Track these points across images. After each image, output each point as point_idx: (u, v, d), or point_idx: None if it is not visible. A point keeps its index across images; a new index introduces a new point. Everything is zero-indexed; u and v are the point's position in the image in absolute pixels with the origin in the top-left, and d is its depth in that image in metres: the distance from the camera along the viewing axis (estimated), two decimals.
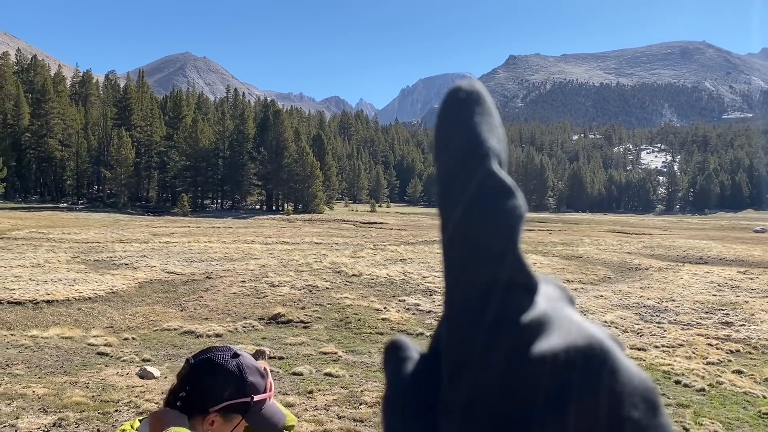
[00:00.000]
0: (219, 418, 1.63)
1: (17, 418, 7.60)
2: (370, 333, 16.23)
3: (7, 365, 10.99)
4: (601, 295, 21.90)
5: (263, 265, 26.16)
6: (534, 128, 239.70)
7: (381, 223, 60.97)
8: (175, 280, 22.62)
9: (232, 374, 1.66)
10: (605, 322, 17.55)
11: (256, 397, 1.68)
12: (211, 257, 28.35)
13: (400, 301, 19.93)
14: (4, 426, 7.29)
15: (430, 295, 20.90)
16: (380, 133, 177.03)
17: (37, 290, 19.74)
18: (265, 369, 1.77)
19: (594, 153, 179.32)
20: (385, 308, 18.83)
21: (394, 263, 27.96)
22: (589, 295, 21.81)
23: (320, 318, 17.73)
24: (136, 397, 8.92)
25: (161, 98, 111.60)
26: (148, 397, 8.78)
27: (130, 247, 31.58)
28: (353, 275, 24.01)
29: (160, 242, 34.70)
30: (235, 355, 1.70)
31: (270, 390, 1.72)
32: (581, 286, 23.93)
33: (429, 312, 18.57)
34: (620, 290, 22.97)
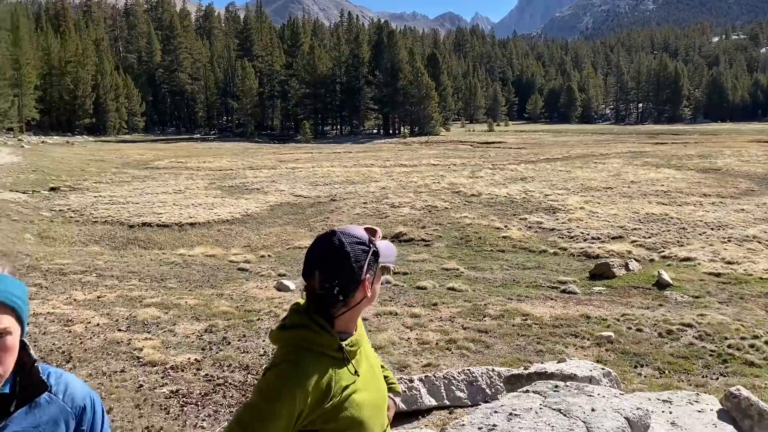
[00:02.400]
0: (369, 282, 1.78)
1: (174, 324, 8.52)
2: (491, 251, 16.28)
3: (162, 279, 12.22)
4: (743, 209, 20.35)
5: (383, 188, 26.70)
6: (668, 32, 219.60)
7: (499, 142, 59.62)
8: (303, 202, 23.72)
9: (350, 248, 1.77)
10: (747, 236, 16.38)
11: (377, 242, 1.80)
12: (333, 181, 29.31)
13: (521, 219, 19.69)
14: (165, 330, 8.20)
15: (553, 213, 20.44)
16: (497, 48, 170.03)
17: (181, 214, 21.51)
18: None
19: (737, 56, 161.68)
20: (505, 227, 18.71)
21: (513, 182, 27.48)
22: (729, 210, 20.34)
23: (441, 237, 17.98)
24: (275, 307, 9.65)
25: (279, 27, 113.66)
26: (285, 307, 9.48)
27: (259, 173, 33.32)
28: (472, 195, 23.93)
29: (286, 168, 36.28)
30: (332, 233, 1.79)
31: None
32: (719, 200, 22.33)
33: (552, 230, 18.24)
34: (764, 203, 21.20)
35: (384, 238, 1.94)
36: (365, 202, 23.15)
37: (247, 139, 76.23)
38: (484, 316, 9.50)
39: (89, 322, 8.38)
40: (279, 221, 21.05)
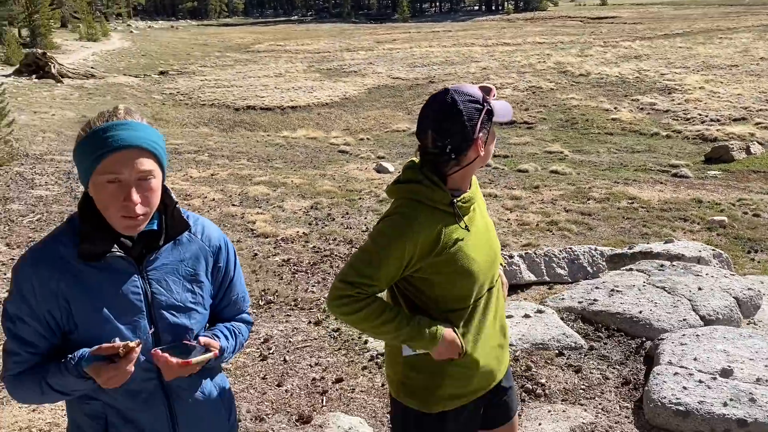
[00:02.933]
0: (481, 141, 1.78)
1: (282, 201, 8.97)
2: (599, 133, 15.59)
3: (269, 159, 12.75)
4: None
5: (484, 68, 25.77)
6: None
7: (612, 17, 55.11)
8: (400, 85, 23.43)
9: (462, 104, 1.75)
10: None
11: (492, 100, 1.79)
12: (432, 62, 28.57)
13: (632, 100, 18.55)
14: (274, 206, 8.67)
15: (669, 93, 19.07)
16: None
17: (282, 97, 21.94)
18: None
19: None
20: (615, 108, 17.73)
21: (626, 61, 25.64)
22: None
23: (545, 119, 17.37)
24: (375, 188, 9.89)
25: None
26: (384, 188, 9.72)
27: (356, 55, 32.99)
28: (580, 75, 22.65)
29: (383, 49, 35.62)
30: (445, 92, 1.77)
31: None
32: None
33: (666, 111, 17.11)
34: None
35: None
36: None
37: (344, 20, 74.96)
38: (588, 199, 9.30)
39: (206, 197, 8.97)
40: (377, 104, 21.02)
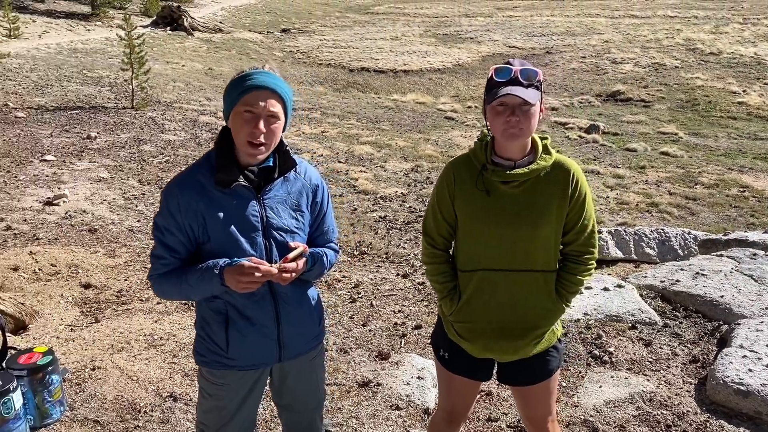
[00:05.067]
0: (486, 111, 1.99)
1: (385, 161, 9.36)
2: (721, 117, 14.73)
3: (377, 121, 13.14)
4: None
5: (606, 41, 24.70)
6: None
7: None
8: (516, 54, 23.01)
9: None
10: None
11: (488, 77, 1.99)
12: (552, 32, 27.71)
13: (765, 84, 17.25)
14: (377, 166, 9.07)
15: None
16: None
17: (396, 61, 22.22)
18: (511, 62, 1.98)
19: None
20: (744, 91, 16.59)
21: (766, 40, 23.67)
22: None
23: (663, 98, 16.58)
24: (449, 156, 10.04)
25: None
26: None
27: (475, 21, 32.53)
28: (710, 54, 21.23)
29: (503, 16, 34.86)
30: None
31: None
32: None
33: None
34: None
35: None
36: (583, 57, 21.80)
37: None
38: (696, 184, 8.98)
39: (315, 152, 9.52)
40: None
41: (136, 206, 6.59)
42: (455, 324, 2.14)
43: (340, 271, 5.24)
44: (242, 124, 1.82)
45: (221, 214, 1.86)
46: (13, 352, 3.25)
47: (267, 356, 1.99)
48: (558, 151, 2.09)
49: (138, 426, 3.14)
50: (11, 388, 2.87)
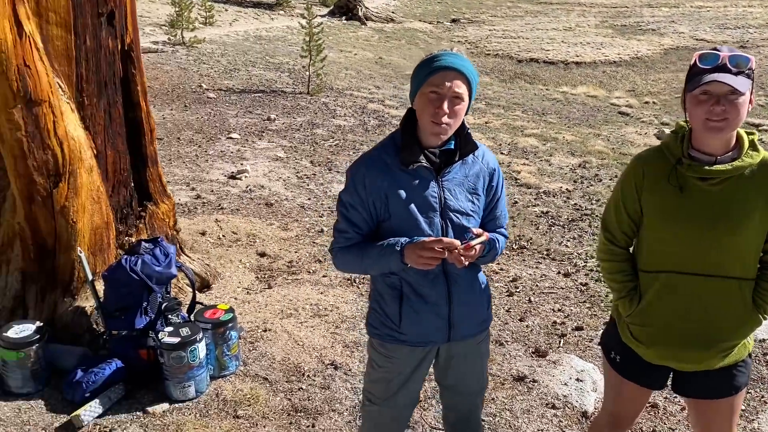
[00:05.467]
0: (686, 100, 1.84)
1: (551, 155, 9.06)
2: None
3: (543, 113, 12.76)
4: None
5: None
6: None
7: None
8: (704, 48, 21.12)
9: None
10: None
11: (690, 63, 1.84)
12: (748, 23, 25.02)
13: None
14: (541, 159, 8.82)
15: None
16: None
17: (568, 52, 21.35)
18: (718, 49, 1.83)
19: None
20: None
21: None
22: None
23: None
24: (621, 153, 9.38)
25: None
26: None
27: (658, 12, 30.28)
28: None
29: (691, 7, 32.07)
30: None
31: None
32: None
33: None
34: None
35: None
36: None
37: None
38: None
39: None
40: (672, 67, 19.33)
41: (308, 185, 6.99)
42: (632, 326, 2.02)
43: (498, 264, 5.18)
44: (427, 104, 1.86)
45: (403, 193, 1.91)
46: (200, 306, 3.62)
47: (437, 335, 2.04)
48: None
49: (301, 388, 3.35)
50: (198, 338, 3.19)
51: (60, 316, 3.49)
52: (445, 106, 1.83)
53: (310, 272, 4.79)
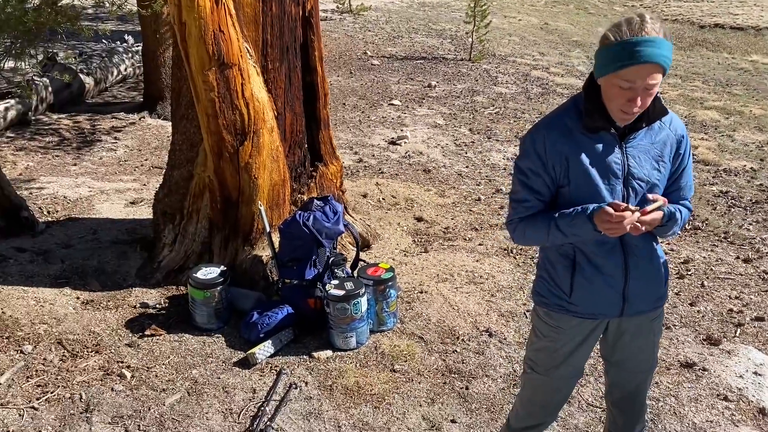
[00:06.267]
0: None
1: (734, 130, 8.23)
2: None
3: (727, 84, 11.57)
4: None
5: None
6: None
7: None
8: None
9: None
10: None
11: None
12: None
13: None
14: (723, 135, 8.04)
15: None
16: None
17: (761, 16, 19.07)
18: None
19: None
20: None
21: None
22: None
23: None
24: None
25: None
26: None
27: None
28: None
29: None
30: None
31: None
32: None
33: None
34: None
35: None
36: None
37: None
38: None
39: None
40: None
41: (466, 153, 6.97)
42: None
43: (668, 244, 4.85)
44: (618, 93, 1.74)
45: (585, 158, 1.84)
46: (363, 264, 3.80)
47: (609, 308, 1.96)
48: None
49: (456, 351, 3.41)
50: (360, 293, 3.36)
51: (240, 262, 3.84)
52: (638, 100, 1.72)
53: (466, 239, 4.81)
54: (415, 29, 14.94)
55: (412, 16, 17.00)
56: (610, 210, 1.74)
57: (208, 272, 3.57)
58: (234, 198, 3.76)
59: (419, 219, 5.16)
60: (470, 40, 12.17)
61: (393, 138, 7.32)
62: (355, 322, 3.36)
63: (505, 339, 3.51)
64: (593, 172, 1.83)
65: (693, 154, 7.15)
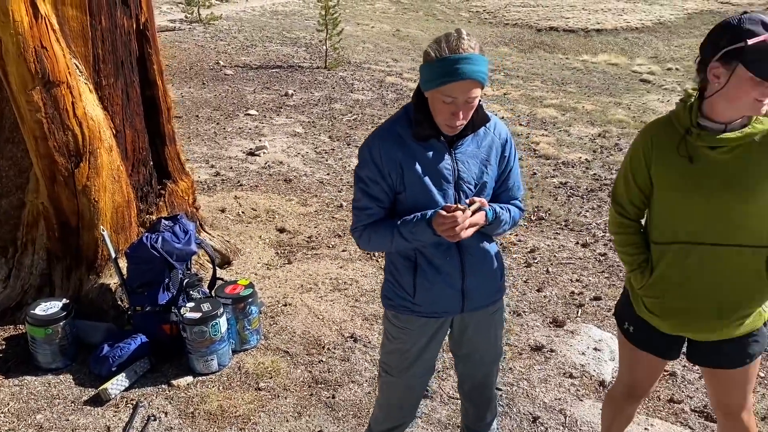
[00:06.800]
0: (719, 68, 1.72)
1: (570, 125, 8.95)
2: None
3: (562, 83, 12.58)
4: None
5: None
6: None
7: None
8: (730, 11, 20.56)
9: (728, 24, 1.70)
10: None
11: (750, 41, 1.64)
12: None
13: None
14: (560, 130, 8.72)
15: None
16: None
17: (588, 19, 20.96)
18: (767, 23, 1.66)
19: None
20: None
21: None
22: None
23: None
24: (642, 122, 9.23)
25: None
26: None
27: None
28: None
29: None
30: (745, 13, 1.72)
31: None
32: None
33: None
34: None
35: None
36: None
37: None
38: None
39: (496, 114, 9.35)
40: (695, 32, 18.89)
41: (326, 160, 7.01)
42: (645, 299, 2.02)
43: (516, 235, 5.17)
44: (441, 108, 1.84)
45: (417, 165, 1.92)
46: (220, 282, 3.69)
47: (451, 305, 2.06)
48: None
49: (321, 360, 3.41)
50: (219, 313, 3.25)
51: (86, 293, 3.58)
52: (461, 114, 1.83)
53: (329, 247, 4.83)
54: (269, 38, 14.80)
55: (265, 24, 16.81)
56: (444, 213, 1.83)
57: (48, 307, 3.30)
58: (73, 224, 3.51)
59: (281, 230, 5.11)
60: (324, 48, 12.26)
61: (251, 149, 7.19)
62: (215, 344, 3.26)
63: (369, 343, 3.56)
64: (426, 178, 1.92)
65: (535, 150, 7.71)
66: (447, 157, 1.94)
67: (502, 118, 9.20)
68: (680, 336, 2.03)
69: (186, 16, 15.90)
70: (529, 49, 18.31)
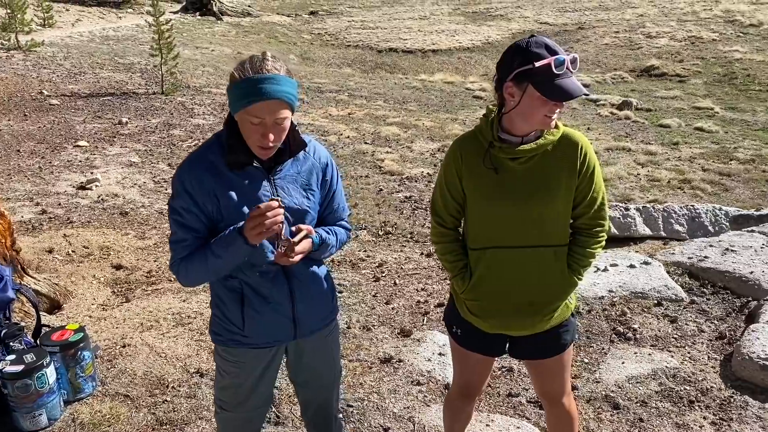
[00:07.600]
0: (513, 88, 1.88)
1: (412, 142, 9.33)
2: (760, 90, 14.27)
3: (403, 102, 13.09)
4: None
5: (641, 15, 24.07)
6: None
7: None
8: (547, 30, 22.59)
9: (518, 47, 1.88)
10: None
11: (537, 64, 1.80)
12: (584, 6, 27.10)
13: None
14: (403, 147, 9.06)
15: None
16: None
17: (424, 41, 22.03)
18: (551, 47, 1.85)
19: None
20: None
21: None
22: None
23: (699, 72, 16.12)
24: None
25: None
26: None
27: None
28: (750, 25, 20.52)
29: None
30: (532, 36, 1.90)
31: (556, 59, 1.80)
32: None
33: None
34: None
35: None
36: (617, 31, 21.29)
37: None
38: (731, 160, 8.76)
39: (341, 134, 9.53)
40: None
41: (166, 189, 6.71)
42: (467, 302, 2.14)
43: (365, 251, 5.27)
44: (251, 130, 1.80)
45: (234, 194, 1.85)
46: (46, 329, 3.38)
47: (282, 334, 2.01)
48: (565, 125, 2.05)
49: (166, 400, 3.23)
50: (44, 363, 2.98)
51: None
52: (271, 135, 1.79)
53: (170, 280, 4.62)
54: (100, 64, 13.96)
55: (94, 50, 15.84)
56: (254, 210, 1.75)
57: None
58: None
59: (118, 267, 4.81)
60: (160, 73, 11.79)
61: (82, 182, 6.71)
62: (42, 397, 2.97)
63: None
64: (245, 207, 1.85)
65: (380, 167, 7.93)
66: (265, 183, 1.90)
67: (348, 137, 9.38)
68: (501, 334, 2.17)
69: (2, 43, 14.58)
70: (371, 70, 18.87)
